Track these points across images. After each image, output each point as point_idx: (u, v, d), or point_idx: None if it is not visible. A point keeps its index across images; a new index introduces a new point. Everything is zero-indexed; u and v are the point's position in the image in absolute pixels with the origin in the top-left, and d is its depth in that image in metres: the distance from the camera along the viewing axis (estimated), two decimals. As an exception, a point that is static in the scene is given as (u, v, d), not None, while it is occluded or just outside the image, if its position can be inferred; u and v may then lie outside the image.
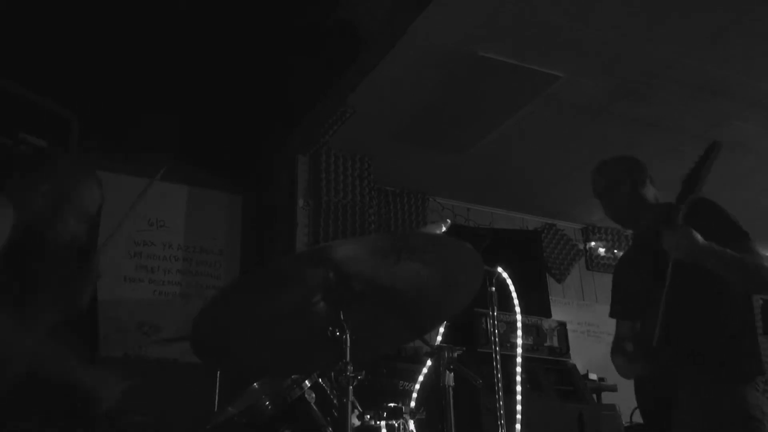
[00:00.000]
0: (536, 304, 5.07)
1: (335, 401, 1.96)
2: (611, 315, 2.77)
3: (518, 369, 2.85)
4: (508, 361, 3.01)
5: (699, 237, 2.22)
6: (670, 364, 2.30)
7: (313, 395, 1.99)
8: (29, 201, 1.84)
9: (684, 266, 2.24)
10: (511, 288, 2.82)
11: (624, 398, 3.93)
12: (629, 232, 6.24)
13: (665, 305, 2.25)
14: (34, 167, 1.99)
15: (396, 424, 1.85)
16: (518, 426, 2.77)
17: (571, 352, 4.67)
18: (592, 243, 6.52)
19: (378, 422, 1.85)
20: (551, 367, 4.49)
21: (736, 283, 2.30)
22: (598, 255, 6.47)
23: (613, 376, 4.83)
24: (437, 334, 2.88)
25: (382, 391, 3.56)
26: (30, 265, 1.86)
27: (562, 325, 4.73)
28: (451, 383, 2.00)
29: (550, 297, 5.63)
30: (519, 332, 3.02)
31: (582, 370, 4.74)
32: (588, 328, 6.10)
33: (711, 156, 2.30)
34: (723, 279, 2.27)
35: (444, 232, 2.28)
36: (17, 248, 1.76)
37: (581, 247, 6.52)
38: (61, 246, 1.87)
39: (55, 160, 2.11)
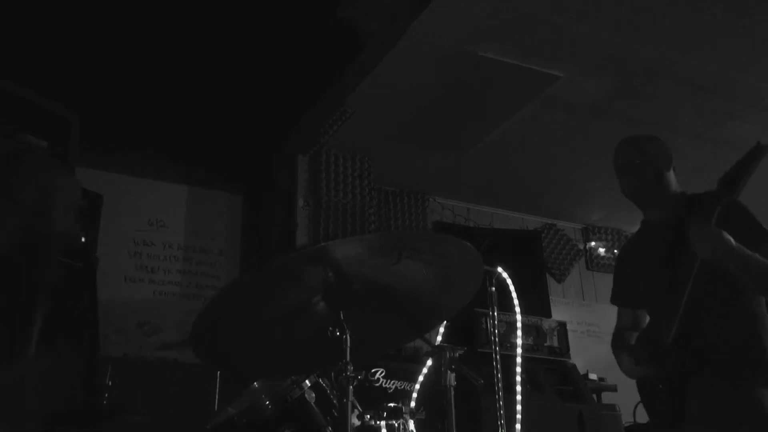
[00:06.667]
0: (536, 304, 5.08)
1: (335, 401, 1.96)
2: (612, 301, 2.70)
3: (518, 369, 2.85)
4: (508, 361, 3.02)
5: (731, 240, 2.16)
6: (683, 365, 2.26)
7: (313, 395, 1.99)
8: (19, 203, 1.78)
9: (706, 265, 2.19)
10: (511, 288, 2.82)
11: (624, 398, 3.93)
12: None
13: (686, 304, 2.20)
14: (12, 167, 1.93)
15: (396, 424, 1.85)
16: (518, 426, 2.78)
17: (571, 352, 4.67)
18: (592, 243, 6.52)
19: (378, 422, 1.85)
20: (551, 367, 4.49)
21: (756, 289, 2.25)
22: (598, 255, 6.47)
23: (613, 376, 4.85)
24: (437, 334, 2.88)
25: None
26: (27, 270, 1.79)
27: (562, 325, 4.74)
28: (453, 383, 2.00)
29: (550, 297, 5.65)
30: (519, 332, 3.02)
31: (582, 370, 4.74)
32: (588, 328, 6.10)
33: (756, 158, 2.20)
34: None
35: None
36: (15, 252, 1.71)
37: (581, 247, 6.52)
38: (57, 241, 1.81)
39: (30, 158, 2.04)
